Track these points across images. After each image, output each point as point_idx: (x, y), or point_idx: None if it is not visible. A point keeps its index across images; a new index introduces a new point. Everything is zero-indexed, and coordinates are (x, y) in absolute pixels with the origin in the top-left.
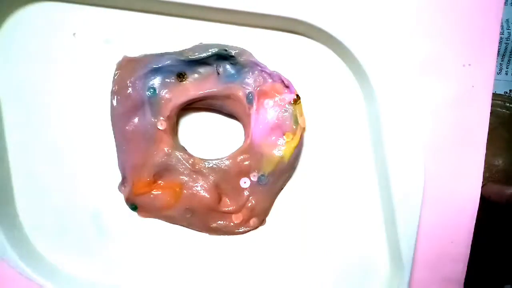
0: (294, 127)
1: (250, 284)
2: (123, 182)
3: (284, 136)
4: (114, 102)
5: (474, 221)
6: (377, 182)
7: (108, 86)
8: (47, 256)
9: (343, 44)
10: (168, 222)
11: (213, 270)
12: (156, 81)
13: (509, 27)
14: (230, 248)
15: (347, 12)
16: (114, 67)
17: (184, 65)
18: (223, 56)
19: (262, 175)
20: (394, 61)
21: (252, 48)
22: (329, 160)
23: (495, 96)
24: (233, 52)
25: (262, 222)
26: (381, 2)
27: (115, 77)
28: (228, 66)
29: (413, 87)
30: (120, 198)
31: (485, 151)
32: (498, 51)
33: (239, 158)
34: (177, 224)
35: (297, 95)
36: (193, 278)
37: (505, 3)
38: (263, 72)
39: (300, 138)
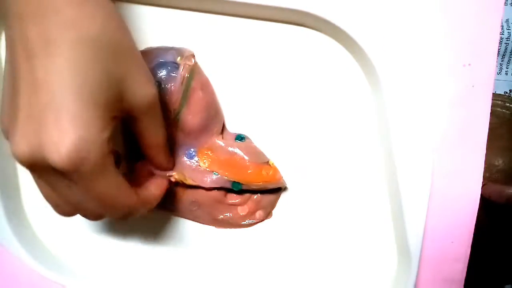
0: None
1: (256, 278)
2: None
3: None
4: None
5: (474, 221)
6: (385, 177)
7: None
8: (53, 249)
9: (351, 36)
10: (175, 215)
11: (219, 264)
12: (162, 75)
13: (509, 27)
14: (236, 242)
15: (355, 5)
16: None
17: None
18: None
19: None
20: (400, 55)
21: (259, 41)
22: (337, 154)
23: (495, 96)
24: None
25: (268, 215)
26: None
27: None
28: None
29: (417, 85)
30: None
31: (485, 151)
32: (498, 51)
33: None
34: (183, 217)
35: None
36: (198, 271)
37: (505, 3)
38: None
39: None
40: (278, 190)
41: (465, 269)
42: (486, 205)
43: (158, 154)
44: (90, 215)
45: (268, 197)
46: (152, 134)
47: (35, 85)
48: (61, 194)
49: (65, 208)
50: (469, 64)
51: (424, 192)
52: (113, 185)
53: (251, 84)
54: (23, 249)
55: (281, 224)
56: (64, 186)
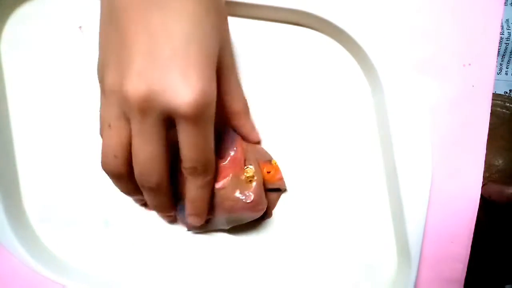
0: None
1: (256, 278)
2: None
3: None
4: None
5: (474, 221)
6: (385, 177)
7: None
8: (53, 249)
9: (351, 36)
10: None
11: (218, 263)
12: None
13: (509, 27)
14: (236, 241)
15: (355, 5)
16: None
17: None
18: None
19: None
20: (401, 56)
21: (258, 41)
22: (337, 154)
23: (495, 96)
24: None
25: (268, 214)
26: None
27: None
28: None
29: (417, 85)
30: None
31: (485, 151)
32: (498, 51)
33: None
34: None
35: None
36: (199, 271)
37: (505, 3)
38: None
39: None
40: (278, 189)
41: (465, 269)
42: (486, 205)
43: (243, 122)
44: (158, 173)
45: (269, 196)
46: (235, 99)
47: (153, 33)
48: (146, 140)
49: (140, 158)
50: (469, 64)
51: (424, 192)
52: (210, 136)
53: (250, 84)
54: (23, 249)
55: (281, 224)
56: (157, 129)
